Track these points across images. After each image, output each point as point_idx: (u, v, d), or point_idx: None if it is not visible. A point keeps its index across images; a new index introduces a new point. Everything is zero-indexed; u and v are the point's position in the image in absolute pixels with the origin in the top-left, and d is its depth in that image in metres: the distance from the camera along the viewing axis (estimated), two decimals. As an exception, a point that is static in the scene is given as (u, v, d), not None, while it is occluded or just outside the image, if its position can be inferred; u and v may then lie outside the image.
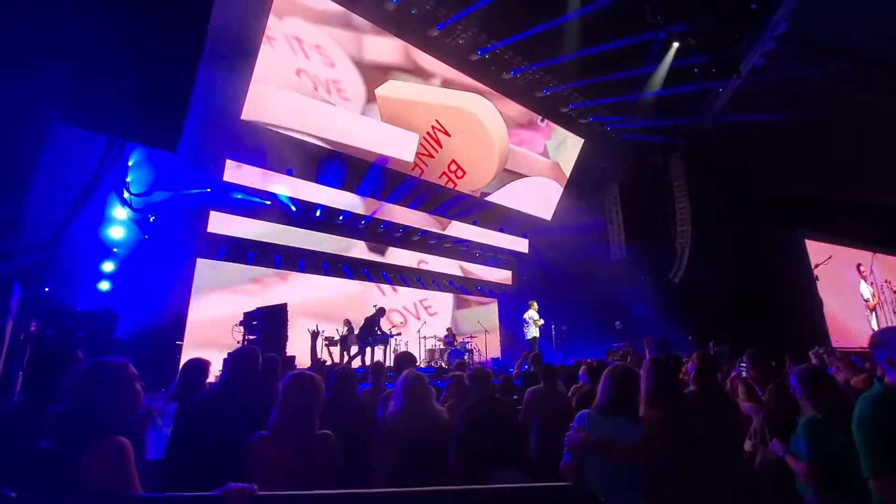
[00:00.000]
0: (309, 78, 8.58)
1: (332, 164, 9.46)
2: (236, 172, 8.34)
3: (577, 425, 2.13)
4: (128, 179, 6.88)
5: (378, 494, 1.75)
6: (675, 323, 10.22)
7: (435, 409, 2.60)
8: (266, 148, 8.65)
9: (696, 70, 10.44)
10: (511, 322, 11.32)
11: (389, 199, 10.35)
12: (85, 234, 6.27)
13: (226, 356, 3.14)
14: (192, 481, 1.67)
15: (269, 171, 8.73)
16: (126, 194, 6.79)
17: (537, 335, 8.81)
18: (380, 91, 9.32)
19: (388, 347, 8.35)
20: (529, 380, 4.36)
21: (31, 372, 2.96)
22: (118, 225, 6.81)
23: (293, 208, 9.11)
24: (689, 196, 12.19)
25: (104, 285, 6.58)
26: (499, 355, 10.81)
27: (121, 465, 1.55)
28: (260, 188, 8.65)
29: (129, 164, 6.88)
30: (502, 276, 12.74)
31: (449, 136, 10.35)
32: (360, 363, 7.61)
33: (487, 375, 2.89)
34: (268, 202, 8.85)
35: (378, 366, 3.71)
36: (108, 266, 6.66)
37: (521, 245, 12.61)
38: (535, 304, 9.13)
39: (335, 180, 9.55)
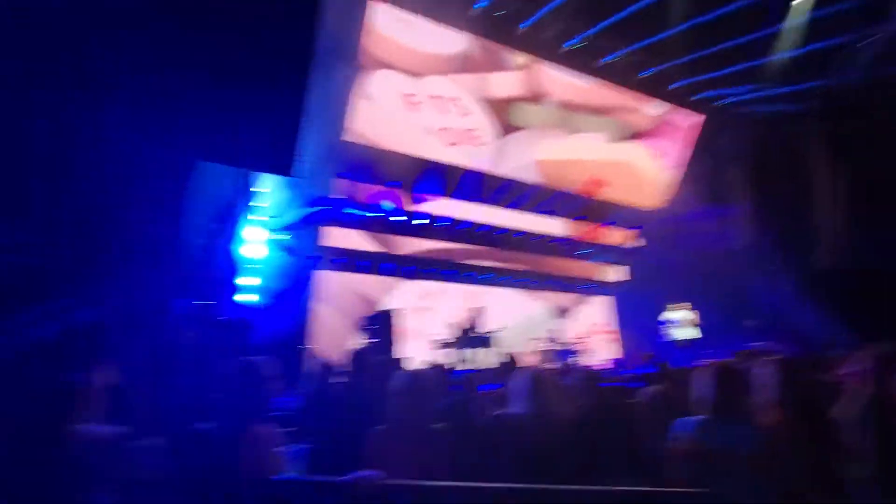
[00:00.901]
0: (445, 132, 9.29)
1: (438, 173, 9.81)
2: (347, 189, 9.05)
3: (682, 432, 1.95)
4: (257, 203, 7.81)
5: (498, 488, 1.76)
6: (821, 316, 8.85)
7: (562, 411, 2.51)
8: (374, 163, 9.25)
9: (832, 20, 8.91)
10: (627, 321, 10.69)
11: (492, 201, 10.43)
12: (224, 253, 7.22)
13: (347, 356, 3.42)
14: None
15: (377, 186, 9.33)
16: (256, 216, 7.70)
17: (687, 336, 8.24)
18: (539, 156, 10.06)
19: (489, 349, 8.34)
20: (650, 381, 4.07)
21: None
22: (252, 243, 7.74)
23: (403, 218, 9.56)
24: (837, 168, 10.48)
25: (241, 297, 7.50)
26: (614, 356, 10.27)
27: (270, 449, 1.76)
28: (369, 202, 9.28)
29: (259, 189, 7.79)
30: (615, 272, 12.07)
31: (604, 185, 10.93)
32: (464, 366, 7.71)
33: (594, 378, 2.76)
34: (376, 214, 9.42)
35: (507, 365, 3.71)
36: (244, 280, 7.59)
37: (634, 238, 11.89)
38: (682, 304, 8.53)
39: (440, 188, 9.89)
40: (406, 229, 9.70)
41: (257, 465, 1.75)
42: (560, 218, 11.26)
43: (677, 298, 9.91)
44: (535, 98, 10.04)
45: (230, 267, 7.39)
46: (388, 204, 9.38)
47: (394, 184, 9.44)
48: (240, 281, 7.53)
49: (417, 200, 9.72)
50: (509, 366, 3.58)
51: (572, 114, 10.49)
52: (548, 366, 8.35)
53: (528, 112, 10.06)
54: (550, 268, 11.42)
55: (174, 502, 1.92)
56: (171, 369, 3.36)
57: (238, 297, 7.42)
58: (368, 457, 2.03)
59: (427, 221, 9.77)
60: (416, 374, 2.27)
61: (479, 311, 8.33)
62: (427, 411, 2.14)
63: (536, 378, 2.43)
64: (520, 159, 10.28)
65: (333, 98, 8.15)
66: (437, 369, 4.12)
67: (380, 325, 6.21)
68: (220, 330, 4.93)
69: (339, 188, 9.00)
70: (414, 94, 9.14)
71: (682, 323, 8.16)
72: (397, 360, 4.77)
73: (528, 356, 9.11)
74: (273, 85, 5.36)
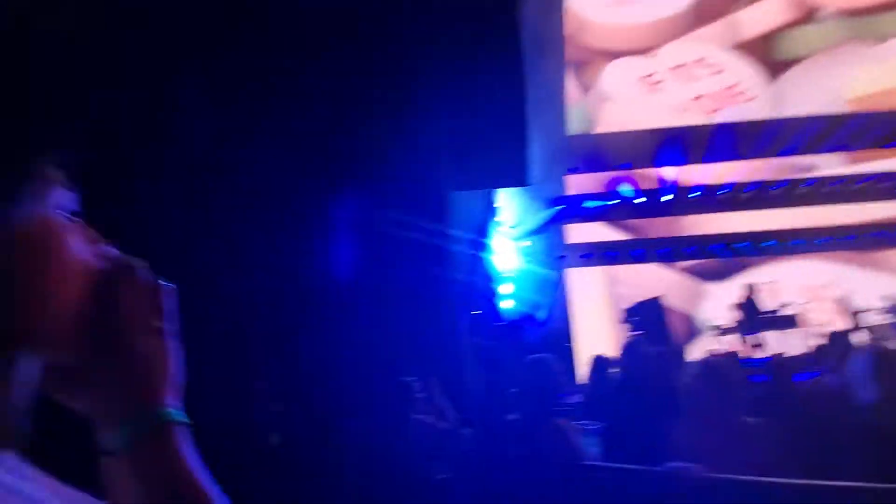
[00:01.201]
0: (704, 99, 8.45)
1: (673, 141, 8.84)
2: (579, 183, 8.97)
3: None
4: (501, 216, 8.50)
5: (844, 487, 1.46)
6: None
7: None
8: (605, 150, 8.96)
9: None
10: None
11: (759, 153, 8.70)
12: (485, 267, 8.05)
13: (617, 349, 3.38)
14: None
15: (609, 172, 8.96)
16: (503, 228, 8.38)
17: None
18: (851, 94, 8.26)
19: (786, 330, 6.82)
20: None
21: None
22: (503, 254, 8.43)
23: (642, 199, 8.93)
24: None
25: (505, 304, 8.21)
26: None
27: (573, 440, 1.91)
28: (607, 191, 8.98)
29: (500, 201, 8.48)
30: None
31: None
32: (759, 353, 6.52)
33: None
34: (614, 201, 9.03)
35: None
36: (504, 288, 8.30)
37: None
38: None
39: (685, 157, 8.84)
40: (653, 209, 8.95)
41: (564, 453, 1.90)
42: (869, 150, 8.50)
43: None
44: (805, 17, 7.94)
45: (490, 279, 8.20)
46: (626, 188, 8.86)
47: (628, 166, 8.87)
48: (500, 290, 8.27)
49: (662, 175, 8.87)
50: (834, 348, 2.88)
51: (867, 18, 7.85)
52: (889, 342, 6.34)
53: (802, 37, 7.99)
54: (859, 218, 8.69)
55: (493, 484, 2.25)
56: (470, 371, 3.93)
57: (502, 305, 8.15)
58: (675, 449, 1.96)
59: (675, 196, 8.79)
60: (710, 364, 2.08)
61: (763, 288, 6.98)
62: (733, 403, 1.94)
63: (883, 357, 1.92)
64: (811, 97, 8.18)
65: (551, 96, 8.27)
66: (728, 358, 3.66)
67: (647, 314, 5.88)
68: (503, 333, 5.53)
69: (574, 184, 8.99)
70: (651, 74, 8.41)
71: None
72: (675, 351, 4.43)
73: (855, 334, 7.11)
74: (492, 102, 5.78)
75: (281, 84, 4.64)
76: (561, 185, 8.95)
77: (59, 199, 0.40)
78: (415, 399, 3.07)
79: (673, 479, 1.47)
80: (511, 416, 2.26)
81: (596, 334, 8.03)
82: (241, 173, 4.22)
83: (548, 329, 7.94)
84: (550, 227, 8.97)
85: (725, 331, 7.05)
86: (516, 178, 6.70)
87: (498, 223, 8.39)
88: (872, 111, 8.20)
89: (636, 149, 8.77)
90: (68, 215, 0.41)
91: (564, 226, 9.17)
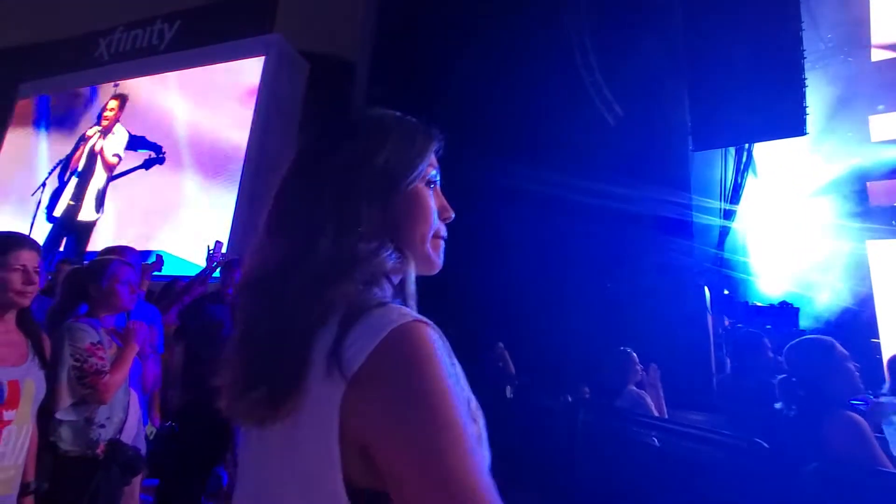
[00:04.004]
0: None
1: None
2: (886, 126, 6.64)
3: None
4: (763, 179, 7.01)
5: None
6: None
7: None
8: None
9: None
10: None
11: None
12: (739, 238, 6.83)
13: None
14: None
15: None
16: (764, 194, 6.91)
17: None
18: None
19: None
20: None
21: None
22: (770, 224, 6.97)
23: None
24: None
25: (775, 284, 6.81)
26: None
27: (861, 440, 1.52)
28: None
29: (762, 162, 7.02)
30: None
31: None
32: None
33: None
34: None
35: None
36: (773, 265, 6.89)
37: None
38: None
39: None
40: None
41: (846, 456, 1.54)
42: None
43: None
44: None
45: (746, 255, 6.94)
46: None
47: None
48: (761, 266, 6.91)
49: None
50: None
51: None
52: None
53: None
54: None
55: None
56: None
57: (764, 285, 6.81)
58: None
59: None
60: None
61: None
62: None
63: None
64: None
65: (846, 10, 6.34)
66: None
67: None
68: (762, 314, 4.70)
69: (876, 129, 6.71)
70: None
71: None
72: None
73: None
74: (753, 29, 4.74)
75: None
76: (863, 131, 6.80)
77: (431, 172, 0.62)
78: (633, 371, 2.96)
79: None
80: (778, 405, 1.94)
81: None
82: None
83: (845, 319, 6.27)
84: (845, 187, 6.96)
85: None
86: (789, 126, 5.39)
87: (760, 186, 6.98)
88: None
89: None
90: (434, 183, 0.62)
91: (867, 183, 6.97)
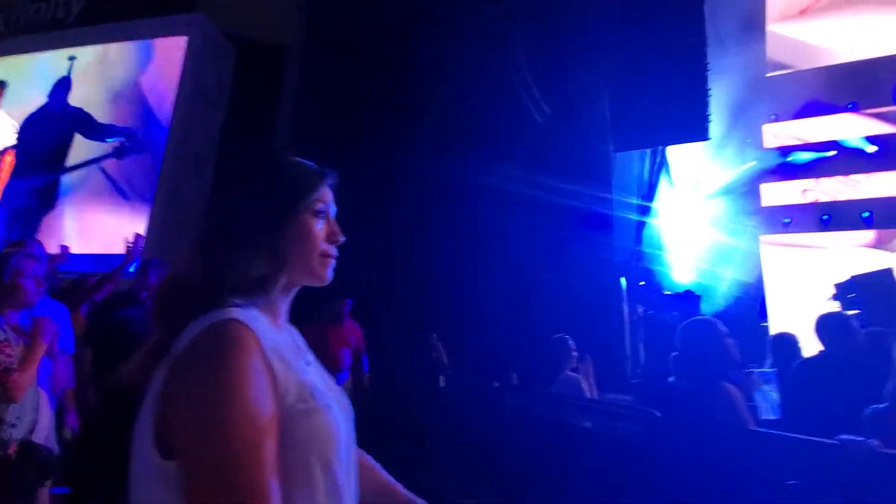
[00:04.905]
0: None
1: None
2: (777, 134, 7.51)
3: None
4: (674, 179, 7.68)
5: None
6: None
7: None
8: (810, 93, 7.35)
9: None
10: None
11: None
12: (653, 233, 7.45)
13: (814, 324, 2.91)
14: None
15: (823, 117, 7.30)
16: (675, 193, 7.58)
17: None
18: None
19: None
20: None
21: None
22: (680, 221, 7.65)
23: (872, 148, 7.11)
24: None
25: (682, 275, 7.50)
26: None
27: (735, 407, 1.80)
28: (815, 140, 7.37)
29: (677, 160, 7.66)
30: None
31: None
32: None
33: None
34: (831, 152, 7.36)
35: None
36: (681, 258, 7.57)
37: None
38: None
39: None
40: (885, 161, 7.04)
41: (725, 416, 1.80)
42: None
43: None
44: None
45: (660, 248, 7.57)
46: (849, 135, 7.12)
47: (854, 106, 7.09)
48: (674, 260, 7.58)
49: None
50: None
51: None
52: None
53: None
54: None
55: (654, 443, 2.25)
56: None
57: (676, 276, 7.48)
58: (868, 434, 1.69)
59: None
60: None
61: None
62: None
63: None
64: None
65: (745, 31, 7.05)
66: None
67: (868, 291, 4.80)
68: (673, 304, 5.18)
69: (776, 135, 7.57)
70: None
71: None
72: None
73: None
74: (665, 44, 5.18)
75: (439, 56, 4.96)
76: (757, 138, 7.63)
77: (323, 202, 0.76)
78: (570, 357, 3.17)
79: (841, 452, 1.30)
80: (671, 379, 2.20)
81: (797, 312, 6.82)
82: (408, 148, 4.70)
83: (740, 304, 7.03)
84: (742, 188, 7.77)
85: None
86: (694, 132, 5.96)
87: (672, 185, 7.63)
88: None
89: (867, 82, 6.95)
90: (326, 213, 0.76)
91: (760, 185, 7.84)
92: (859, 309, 4.80)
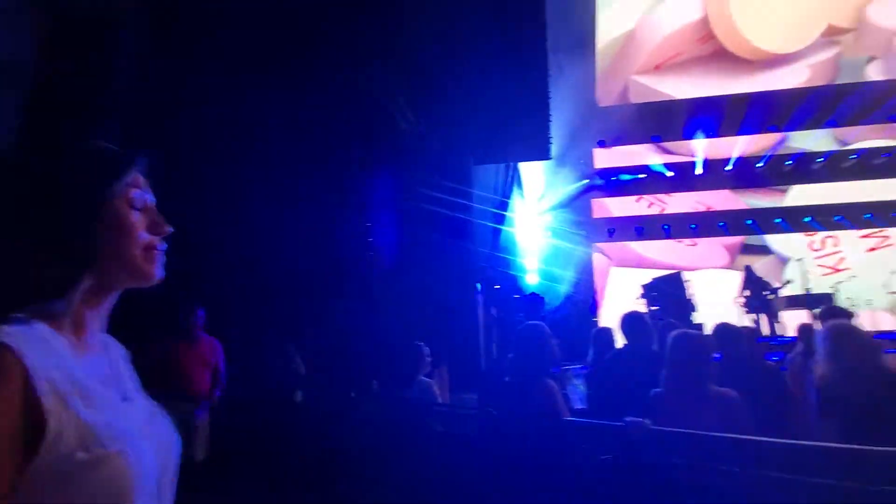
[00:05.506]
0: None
1: (704, 112, 8.55)
2: (606, 157, 8.83)
3: None
4: (526, 190, 8.52)
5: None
6: None
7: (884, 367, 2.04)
8: (627, 125, 8.77)
9: None
10: None
11: (791, 127, 8.33)
12: (505, 241, 8.16)
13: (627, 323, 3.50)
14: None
15: (637, 146, 8.77)
16: (524, 204, 8.42)
17: None
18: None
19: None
20: None
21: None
22: (526, 229, 8.50)
23: (669, 173, 8.75)
24: None
25: (530, 279, 8.33)
26: None
27: (553, 399, 2.10)
28: (631, 164, 8.82)
29: (525, 176, 8.49)
30: None
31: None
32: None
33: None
34: (642, 175, 8.87)
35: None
36: (529, 263, 8.41)
37: None
38: None
39: (712, 128, 8.56)
40: (685, 183, 8.75)
41: (547, 410, 2.10)
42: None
43: None
44: None
45: (512, 254, 8.32)
46: (657, 161, 8.68)
47: (658, 139, 8.65)
48: (524, 265, 8.39)
49: (692, 147, 8.62)
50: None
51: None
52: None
53: None
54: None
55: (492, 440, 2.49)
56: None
57: (525, 279, 8.28)
58: (649, 415, 2.12)
59: (707, 169, 8.55)
60: (689, 334, 2.19)
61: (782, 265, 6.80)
62: (705, 372, 2.07)
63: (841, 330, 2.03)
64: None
65: (580, 68, 8.12)
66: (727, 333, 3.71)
67: (665, 290, 5.89)
68: (520, 306, 5.71)
69: (603, 158, 8.85)
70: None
71: None
72: (683, 325, 4.49)
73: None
74: (515, 75, 5.74)
75: (307, 62, 4.82)
76: (590, 159, 8.84)
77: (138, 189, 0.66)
78: (424, 362, 3.34)
79: (626, 432, 1.64)
80: (507, 379, 2.47)
81: (622, 310, 8.06)
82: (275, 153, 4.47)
83: (573, 304, 8.01)
84: (576, 202, 8.93)
85: (749, 308, 6.96)
86: (539, 151, 6.70)
87: (522, 197, 8.44)
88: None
89: (667, 120, 8.54)
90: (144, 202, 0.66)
91: (591, 200, 9.09)
92: (658, 306, 5.90)
